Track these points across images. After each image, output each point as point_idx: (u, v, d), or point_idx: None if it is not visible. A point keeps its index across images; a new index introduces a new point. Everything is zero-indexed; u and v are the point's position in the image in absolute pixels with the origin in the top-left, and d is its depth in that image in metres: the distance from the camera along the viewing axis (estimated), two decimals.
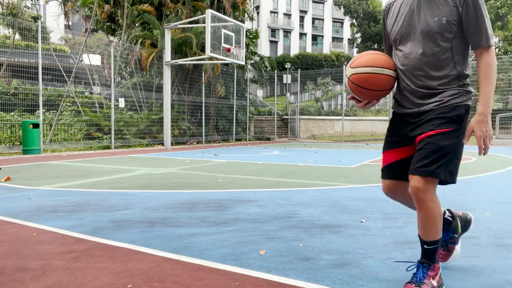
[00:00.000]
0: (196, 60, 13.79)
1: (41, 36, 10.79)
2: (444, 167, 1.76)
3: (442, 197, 4.27)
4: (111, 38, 16.44)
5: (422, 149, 1.80)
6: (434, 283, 1.86)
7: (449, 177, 1.78)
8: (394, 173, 1.97)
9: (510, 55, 23.36)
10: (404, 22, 1.88)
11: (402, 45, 1.90)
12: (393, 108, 2.05)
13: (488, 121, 1.75)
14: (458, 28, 1.79)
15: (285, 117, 22.58)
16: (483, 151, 1.77)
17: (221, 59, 12.64)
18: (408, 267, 1.95)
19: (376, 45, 32.16)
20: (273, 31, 46.13)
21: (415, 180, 1.79)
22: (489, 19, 1.77)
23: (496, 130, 16.87)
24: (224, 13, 14.55)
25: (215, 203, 3.96)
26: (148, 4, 14.66)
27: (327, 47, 49.01)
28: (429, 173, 1.76)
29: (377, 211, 3.60)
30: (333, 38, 50.55)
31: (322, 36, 49.89)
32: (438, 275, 1.89)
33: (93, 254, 2.41)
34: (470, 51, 1.88)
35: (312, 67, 32.57)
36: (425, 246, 1.86)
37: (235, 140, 18.18)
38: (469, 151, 11.69)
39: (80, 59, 14.05)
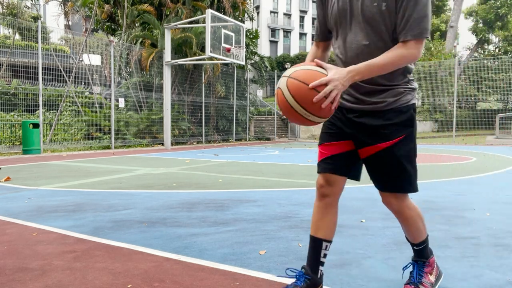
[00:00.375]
0: (196, 60, 13.79)
1: (41, 36, 10.79)
2: (408, 179, 1.70)
3: (442, 198, 4.29)
4: (111, 38, 16.44)
5: (381, 164, 1.69)
6: (432, 278, 1.87)
7: (415, 188, 1.73)
8: (332, 166, 1.77)
9: (510, 55, 23.36)
10: (345, 5, 1.64)
11: (342, 33, 1.68)
12: None
13: (347, 81, 1.50)
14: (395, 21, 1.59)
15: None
16: (319, 98, 1.46)
17: (221, 59, 12.64)
18: (404, 266, 1.96)
19: None
20: (273, 31, 46.13)
21: (386, 196, 1.75)
22: (430, 11, 1.55)
23: (496, 130, 16.87)
24: (224, 13, 14.56)
25: (215, 203, 3.96)
26: (148, 4, 14.66)
27: None
28: (398, 189, 1.72)
29: (377, 211, 3.60)
30: None
31: None
32: (435, 268, 1.90)
33: (93, 254, 2.41)
34: None
35: None
36: (415, 247, 1.88)
37: (235, 140, 18.18)
38: (469, 151, 11.70)
39: (80, 59, 14.06)
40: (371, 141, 1.68)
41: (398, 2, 1.54)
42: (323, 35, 1.83)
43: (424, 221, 1.83)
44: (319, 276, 1.78)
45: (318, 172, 1.82)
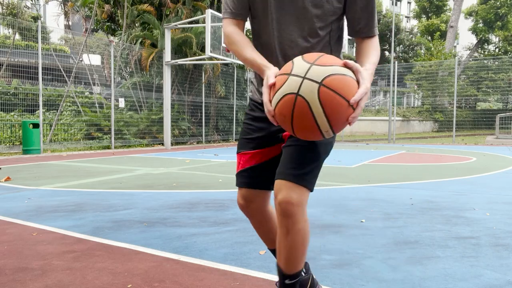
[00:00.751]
0: (196, 60, 13.79)
1: (41, 36, 10.79)
2: (314, 173, 1.37)
3: (442, 198, 4.29)
4: (111, 38, 16.44)
5: (296, 146, 1.35)
6: None
7: (313, 188, 1.37)
8: (253, 180, 1.51)
9: (510, 55, 23.36)
10: None
11: (276, 15, 1.37)
12: (253, 97, 1.56)
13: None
14: (340, 11, 1.38)
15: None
16: (356, 118, 1.15)
17: (221, 59, 12.64)
18: None
19: None
20: None
21: (285, 188, 1.31)
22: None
23: (496, 130, 16.88)
24: None
25: (215, 203, 3.96)
26: (148, 4, 14.66)
27: None
28: (304, 179, 1.33)
29: (377, 211, 3.60)
30: None
31: None
32: None
33: (93, 254, 2.41)
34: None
35: None
36: (286, 282, 1.39)
37: (235, 140, 18.18)
38: (469, 151, 11.69)
39: (80, 59, 14.06)
40: None
41: None
42: (246, 11, 1.42)
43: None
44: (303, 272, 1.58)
45: (236, 185, 1.56)
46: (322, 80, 1.10)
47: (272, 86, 1.19)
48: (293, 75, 1.13)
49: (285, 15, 1.36)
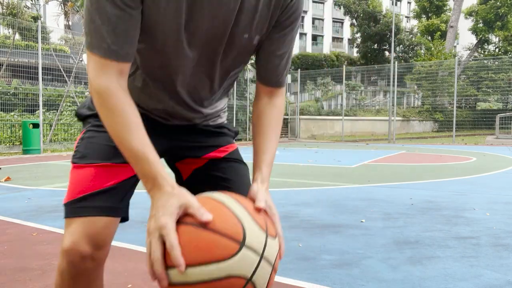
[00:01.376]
0: None
1: (41, 36, 10.79)
2: None
3: (443, 197, 4.29)
4: None
5: (236, 165, 1.21)
6: None
7: None
8: (119, 203, 1.08)
9: (510, 55, 23.37)
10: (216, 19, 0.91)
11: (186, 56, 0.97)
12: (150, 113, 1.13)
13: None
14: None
15: (285, 117, 22.59)
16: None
17: None
18: None
19: (376, 45, 32.14)
20: None
21: None
22: None
23: (496, 130, 16.89)
24: None
25: None
26: None
27: (327, 47, 49.03)
28: None
29: (377, 211, 3.60)
30: (333, 38, 50.54)
31: (322, 36, 49.88)
32: None
33: None
34: None
35: (312, 67, 32.60)
36: None
37: (235, 140, 18.20)
38: (469, 151, 11.70)
39: (80, 59, 14.06)
40: (214, 143, 1.21)
41: (276, 33, 1.01)
42: (134, 48, 0.91)
43: None
44: None
45: (75, 216, 1.09)
46: (274, 261, 0.78)
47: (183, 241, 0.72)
48: (249, 248, 0.72)
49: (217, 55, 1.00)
